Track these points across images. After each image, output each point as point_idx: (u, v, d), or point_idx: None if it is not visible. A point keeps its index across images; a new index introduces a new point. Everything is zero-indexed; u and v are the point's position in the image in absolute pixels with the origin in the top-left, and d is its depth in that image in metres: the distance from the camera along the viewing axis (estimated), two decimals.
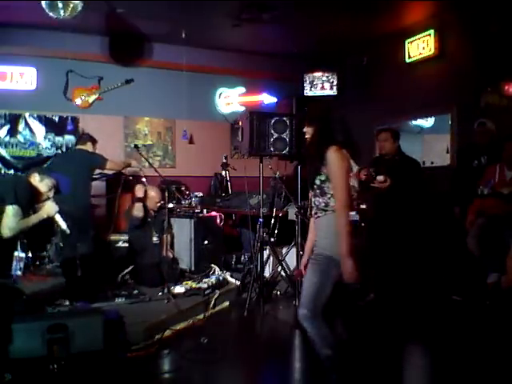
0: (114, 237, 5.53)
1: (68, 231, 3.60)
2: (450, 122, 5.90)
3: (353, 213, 4.92)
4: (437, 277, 4.90)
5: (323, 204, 2.56)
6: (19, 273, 4.60)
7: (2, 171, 6.33)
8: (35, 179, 3.55)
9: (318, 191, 2.57)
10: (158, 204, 5.29)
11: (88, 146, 5.27)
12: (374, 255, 4.51)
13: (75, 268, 4.38)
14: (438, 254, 4.95)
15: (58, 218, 3.55)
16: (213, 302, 4.51)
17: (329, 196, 2.54)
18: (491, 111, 5.20)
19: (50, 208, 3.48)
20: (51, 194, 3.59)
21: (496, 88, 5.25)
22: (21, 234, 3.72)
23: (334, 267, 2.50)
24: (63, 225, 3.58)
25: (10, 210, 3.18)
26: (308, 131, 2.67)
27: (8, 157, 6.40)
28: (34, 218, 3.41)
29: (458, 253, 4.69)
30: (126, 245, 5.37)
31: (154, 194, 5.29)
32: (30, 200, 3.45)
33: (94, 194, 5.57)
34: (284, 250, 5.21)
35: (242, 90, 7.53)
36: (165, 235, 5.26)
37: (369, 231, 4.65)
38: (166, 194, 5.10)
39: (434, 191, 5.41)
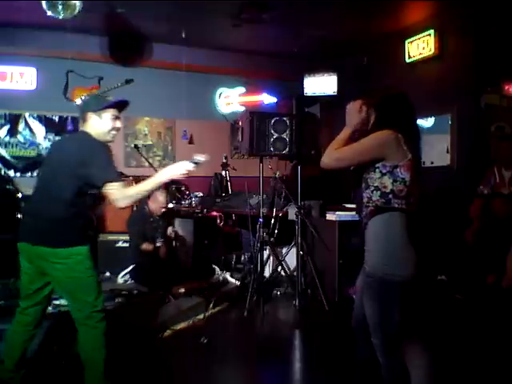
0: (113, 237, 5.53)
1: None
2: (449, 122, 5.90)
3: (352, 213, 4.98)
4: (436, 275, 4.91)
5: (366, 199, 2.17)
6: None
7: (2, 171, 6.33)
8: None
9: (363, 184, 2.20)
10: (163, 210, 5.20)
11: None
12: None
13: None
14: (438, 253, 4.95)
15: None
16: (213, 302, 4.51)
17: (372, 189, 2.14)
18: (491, 111, 5.21)
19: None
20: None
21: (496, 88, 5.25)
22: None
23: (394, 289, 2.09)
24: None
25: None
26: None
27: (8, 157, 6.41)
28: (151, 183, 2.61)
29: (458, 252, 4.69)
30: (126, 245, 5.37)
31: (161, 198, 5.15)
32: None
33: None
34: (284, 250, 5.21)
35: (242, 90, 7.54)
36: (169, 232, 5.22)
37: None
38: (166, 192, 5.11)
39: (433, 191, 5.42)
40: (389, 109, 2.26)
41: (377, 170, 2.11)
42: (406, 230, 2.07)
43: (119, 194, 2.44)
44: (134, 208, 6.04)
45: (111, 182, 2.42)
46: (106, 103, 2.63)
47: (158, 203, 5.14)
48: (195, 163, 2.55)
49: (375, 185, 2.11)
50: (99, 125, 2.59)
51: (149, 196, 5.12)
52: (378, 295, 2.11)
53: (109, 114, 2.62)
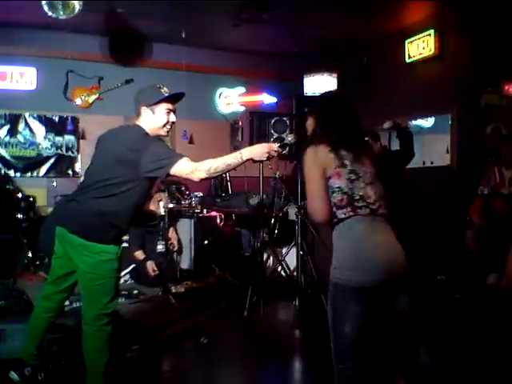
0: None
1: None
2: (449, 122, 5.90)
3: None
4: (436, 275, 4.91)
5: None
6: None
7: (2, 171, 6.33)
8: None
9: None
10: (163, 213, 4.98)
11: None
12: None
13: None
14: (438, 253, 4.95)
15: None
16: (213, 302, 4.51)
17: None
18: (491, 111, 5.21)
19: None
20: None
21: (496, 88, 5.25)
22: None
23: (344, 293, 2.10)
24: None
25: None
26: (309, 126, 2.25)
27: (8, 157, 6.41)
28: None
29: (458, 252, 4.69)
30: (125, 245, 5.37)
31: (163, 200, 5.03)
32: None
33: None
34: (284, 250, 5.21)
35: (242, 90, 7.53)
36: (170, 232, 5.18)
37: None
38: (166, 195, 5.09)
39: (433, 191, 5.41)
40: (315, 116, 2.25)
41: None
42: (355, 232, 2.00)
43: (193, 166, 2.43)
44: None
45: (178, 162, 2.39)
46: (161, 96, 2.58)
47: (158, 205, 5.09)
48: (285, 145, 2.57)
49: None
50: (153, 119, 2.59)
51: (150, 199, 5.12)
52: (331, 299, 2.20)
53: (162, 108, 2.58)
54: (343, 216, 2.01)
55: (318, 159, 2.03)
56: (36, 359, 2.68)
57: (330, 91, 2.40)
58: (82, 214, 2.44)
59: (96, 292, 2.45)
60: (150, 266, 4.83)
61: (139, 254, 4.94)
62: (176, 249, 5.24)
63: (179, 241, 5.48)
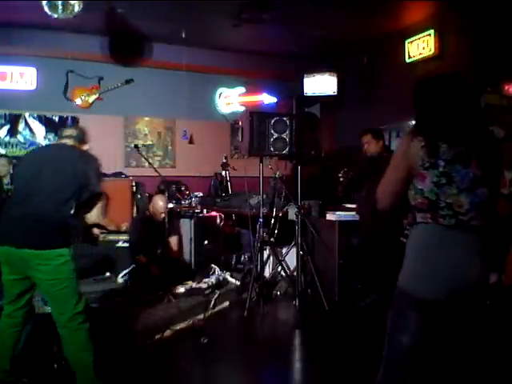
0: (113, 237, 5.52)
1: None
2: None
3: (352, 213, 4.98)
4: None
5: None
6: None
7: None
8: None
9: None
10: (163, 215, 5.02)
11: None
12: (372, 255, 4.50)
13: None
14: None
15: None
16: (213, 302, 4.51)
17: (410, 202, 1.87)
18: (491, 111, 5.20)
19: None
20: None
21: (496, 88, 5.24)
22: None
23: (407, 303, 1.84)
24: None
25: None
26: None
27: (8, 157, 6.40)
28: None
29: None
30: (126, 245, 5.37)
31: (161, 203, 5.03)
32: None
33: None
34: (284, 250, 5.21)
35: (242, 90, 7.54)
36: (172, 237, 5.13)
37: (365, 230, 4.64)
38: (166, 195, 5.08)
39: None
40: (415, 102, 1.97)
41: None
42: (430, 240, 1.79)
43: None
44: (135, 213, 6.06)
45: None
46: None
47: (159, 208, 5.02)
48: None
49: (412, 195, 1.85)
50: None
51: (149, 200, 5.10)
52: (393, 304, 1.92)
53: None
54: (421, 220, 1.81)
55: (408, 153, 1.82)
56: (9, 376, 2.64)
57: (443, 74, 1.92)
58: (30, 226, 2.47)
59: (62, 296, 2.50)
60: (142, 258, 4.85)
61: (141, 258, 4.91)
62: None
63: (180, 246, 5.44)
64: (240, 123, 7.46)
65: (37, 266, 2.44)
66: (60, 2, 4.53)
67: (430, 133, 1.79)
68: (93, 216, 3.88)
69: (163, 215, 4.97)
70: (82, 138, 2.95)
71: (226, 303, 4.67)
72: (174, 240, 5.23)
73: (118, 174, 6.60)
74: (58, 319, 2.52)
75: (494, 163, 1.82)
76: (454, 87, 1.90)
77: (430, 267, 1.76)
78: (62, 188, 2.55)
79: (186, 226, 5.69)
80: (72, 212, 2.58)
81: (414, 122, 1.97)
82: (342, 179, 4.68)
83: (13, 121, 6.47)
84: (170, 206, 5.48)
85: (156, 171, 4.88)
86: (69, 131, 2.99)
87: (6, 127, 6.43)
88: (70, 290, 2.51)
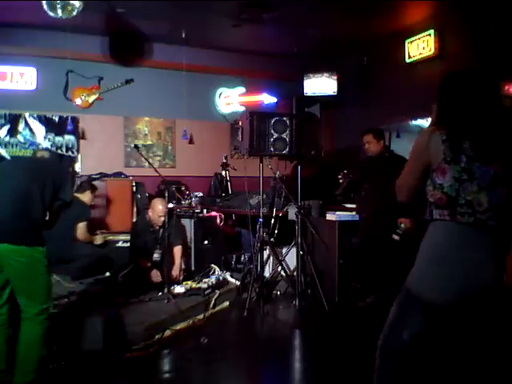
0: (113, 237, 5.53)
1: None
2: None
3: (352, 213, 4.98)
4: None
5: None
6: None
7: None
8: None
9: None
10: (162, 219, 4.85)
11: (85, 195, 5.23)
12: (371, 255, 4.50)
13: None
14: None
15: None
16: (213, 302, 4.51)
17: (428, 197, 1.84)
18: None
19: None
20: None
21: None
22: None
23: (408, 301, 1.85)
24: None
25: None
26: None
27: (8, 157, 6.40)
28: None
29: None
30: (126, 245, 5.37)
31: (160, 207, 4.87)
32: None
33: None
34: (284, 250, 5.21)
35: (242, 90, 7.53)
36: (176, 247, 5.01)
37: (365, 230, 4.64)
38: (166, 195, 5.07)
39: None
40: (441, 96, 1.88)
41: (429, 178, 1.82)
42: (447, 239, 1.74)
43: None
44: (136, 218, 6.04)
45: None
46: None
47: (157, 211, 4.87)
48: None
49: (430, 190, 1.81)
50: None
51: (149, 201, 5.04)
52: (399, 299, 1.90)
53: None
54: (438, 217, 1.76)
55: (428, 147, 1.77)
56: (5, 375, 2.70)
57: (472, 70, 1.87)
58: (9, 223, 2.62)
59: (35, 289, 2.66)
60: (155, 274, 4.76)
61: (144, 263, 4.85)
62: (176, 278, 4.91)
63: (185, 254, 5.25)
64: (240, 123, 7.46)
65: (14, 261, 2.59)
66: (60, 2, 4.52)
67: (454, 127, 1.75)
68: (79, 234, 4.70)
69: (162, 219, 4.85)
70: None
71: (226, 303, 4.68)
72: (177, 251, 5.02)
73: (117, 174, 6.60)
74: (27, 311, 2.65)
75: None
76: (483, 84, 1.84)
77: (445, 269, 1.71)
78: (31, 194, 2.71)
79: (186, 226, 5.69)
80: (45, 217, 2.81)
81: (432, 117, 1.94)
82: (341, 181, 4.67)
83: (13, 121, 6.46)
84: (170, 205, 5.47)
85: (156, 171, 4.89)
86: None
87: (6, 127, 6.42)
88: (43, 284, 2.68)
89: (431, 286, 1.74)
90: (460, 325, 1.81)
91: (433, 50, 5.91)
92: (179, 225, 5.34)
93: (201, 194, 6.54)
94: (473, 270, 1.69)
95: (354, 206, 5.04)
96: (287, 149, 4.75)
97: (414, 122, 6.95)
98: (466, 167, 1.70)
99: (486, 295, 1.73)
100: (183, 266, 5.11)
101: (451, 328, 1.85)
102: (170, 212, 4.98)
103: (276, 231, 5.16)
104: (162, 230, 4.87)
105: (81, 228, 4.97)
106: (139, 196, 6.53)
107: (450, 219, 1.72)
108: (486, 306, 1.77)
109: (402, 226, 4.11)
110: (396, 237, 4.11)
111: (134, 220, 5.77)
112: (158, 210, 4.89)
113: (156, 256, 4.72)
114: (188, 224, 5.68)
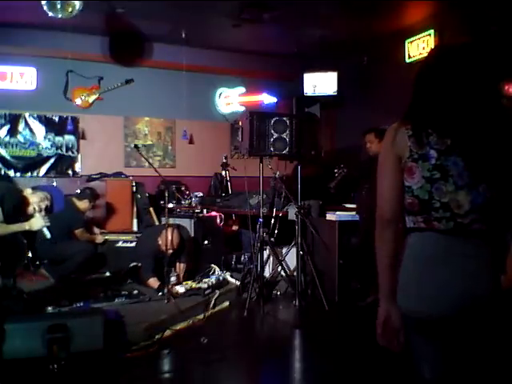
0: (113, 237, 5.53)
1: (53, 241, 3.71)
2: None
3: (352, 213, 4.97)
4: None
5: None
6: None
7: (2, 171, 6.33)
8: (27, 191, 3.58)
9: None
10: (171, 251, 4.63)
11: (83, 203, 5.27)
12: (371, 255, 4.50)
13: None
14: None
15: (44, 230, 3.56)
16: (213, 302, 4.50)
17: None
18: None
19: (34, 222, 3.41)
20: (43, 206, 3.53)
21: None
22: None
23: (412, 328, 1.52)
24: (48, 235, 3.62)
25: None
26: None
27: (8, 157, 6.41)
28: (14, 227, 3.36)
29: None
30: (126, 245, 5.38)
31: (170, 238, 4.58)
32: (16, 207, 3.43)
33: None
34: (284, 250, 5.21)
35: (242, 90, 7.54)
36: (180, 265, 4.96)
37: (365, 230, 4.64)
38: (166, 195, 5.05)
39: None
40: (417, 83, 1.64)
41: None
42: (426, 252, 1.47)
43: None
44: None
45: None
46: None
47: (167, 243, 4.56)
48: None
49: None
50: None
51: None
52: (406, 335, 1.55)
53: None
54: (412, 225, 1.50)
55: (394, 144, 1.51)
56: None
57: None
58: None
59: None
60: (154, 283, 4.68)
61: (153, 282, 4.66)
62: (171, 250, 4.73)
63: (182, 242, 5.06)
64: (240, 123, 7.46)
65: None
66: (60, 2, 4.52)
67: (421, 117, 1.50)
68: (79, 237, 4.89)
69: (171, 251, 4.63)
70: None
71: (226, 303, 4.67)
72: (180, 268, 4.97)
73: (117, 174, 6.61)
74: None
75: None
76: (469, 62, 1.57)
77: (428, 283, 1.45)
78: None
79: (186, 226, 5.68)
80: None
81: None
82: (336, 175, 4.67)
83: (13, 121, 6.47)
84: (170, 205, 5.46)
85: (156, 171, 4.89)
86: None
87: (6, 127, 6.43)
88: None
89: (420, 301, 1.46)
90: (465, 341, 1.53)
91: None
92: (189, 247, 5.16)
93: (201, 194, 6.54)
94: (462, 281, 1.42)
95: (353, 205, 5.04)
96: (287, 149, 4.75)
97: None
98: (437, 163, 1.42)
99: (482, 306, 1.45)
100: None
101: (461, 348, 1.54)
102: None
103: (276, 231, 5.16)
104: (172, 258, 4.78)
105: (78, 233, 5.03)
106: (139, 196, 6.54)
107: (426, 226, 1.46)
108: (484, 321, 1.50)
109: None
110: None
111: (145, 233, 5.49)
112: (168, 241, 4.59)
113: (173, 279, 4.63)
114: (188, 224, 5.68)
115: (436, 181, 1.43)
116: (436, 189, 1.43)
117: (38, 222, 3.42)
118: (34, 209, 3.49)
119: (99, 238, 5.38)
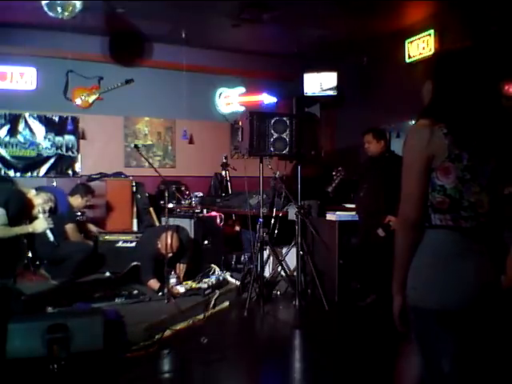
0: (113, 237, 5.53)
1: (56, 244, 3.68)
2: None
3: (352, 213, 4.97)
4: None
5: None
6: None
7: (2, 171, 6.33)
8: (31, 193, 3.57)
9: None
10: (170, 255, 4.61)
11: (74, 199, 5.28)
12: (371, 255, 4.50)
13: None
14: None
15: (48, 233, 3.52)
16: (213, 302, 4.50)
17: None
18: None
19: (38, 224, 3.42)
20: (47, 208, 3.52)
21: None
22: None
23: (430, 321, 1.55)
24: (51, 237, 3.57)
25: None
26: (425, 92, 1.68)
27: (8, 157, 6.41)
28: (17, 229, 3.36)
29: None
30: (126, 245, 5.38)
31: (169, 241, 4.56)
32: (21, 210, 3.42)
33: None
34: (284, 250, 5.21)
35: (242, 90, 7.54)
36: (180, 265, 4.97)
37: (364, 230, 4.64)
38: (166, 195, 5.05)
39: None
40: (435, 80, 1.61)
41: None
42: (451, 248, 1.51)
43: None
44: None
45: None
46: None
47: (166, 247, 4.55)
48: None
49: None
50: None
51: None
52: (415, 330, 1.60)
53: None
54: (438, 223, 1.53)
55: (430, 144, 1.50)
56: None
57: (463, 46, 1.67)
58: None
59: None
60: (155, 284, 4.66)
61: (153, 283, 4.62)
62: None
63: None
64: (240, 123, 7.45)
65: None
66: (60, 3, 4.52)
67: (456, 118, 1.50)
68: (69, 235, 4.88)
69: (170, 255, 4.61)
70: None
71: (226, 303, 4.67)
72: (180, 268, 4.97)
73: (117, 174, 6.61)
74: None
75: (510, 160, 1.57)
76: (486, 67, 1.67)
77: (451, 277, 1.50)
78: None
79: (186, 226, 5.68)
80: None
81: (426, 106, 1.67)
82: (334, 177, 4.68)
83: (13, 121, 6.47)
84: (170, 205, 5.46)
85: (156, 171, 4.88)
86: None
87: (6, 127, 6.43)
88: None
89: (439, 293, 1.51)
90: (479, 332, 1.60)
91: (433, 50, 5.91)
92: (189, 248, 5.14)
93: (201, 194, 6.54)
94: (478, 276, 1.51)
95: (353, 205, 5.04)
96: (287, 149, 4.75)
97: (413, 122, 6.95)
98: (468, 164, 1.48)
99: (491, 300, 1.56)
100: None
101: (478, 338, 1.60)
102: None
103: (276, 231, 5.16)
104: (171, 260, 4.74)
105: (69, 229, 5.00)
106: (139, 196, 6.54)
107: (453, 224, 1.51)
108: (494, 312, 1.60)
109: (391, 223, 4.18)
110: (382, 233, 4.22)
111: (146, 233, 5.41)
112: (168, 245, 4.57)
113: (173, 281, 4.61)
114: (188, 224, 5.68)
115: (467, 181, 1.50)
116: (466, 189, 1.50)
117: (41, 224, 3.42)
118: (38, 210, 3.48)
119: (93, 230, 5.44)
